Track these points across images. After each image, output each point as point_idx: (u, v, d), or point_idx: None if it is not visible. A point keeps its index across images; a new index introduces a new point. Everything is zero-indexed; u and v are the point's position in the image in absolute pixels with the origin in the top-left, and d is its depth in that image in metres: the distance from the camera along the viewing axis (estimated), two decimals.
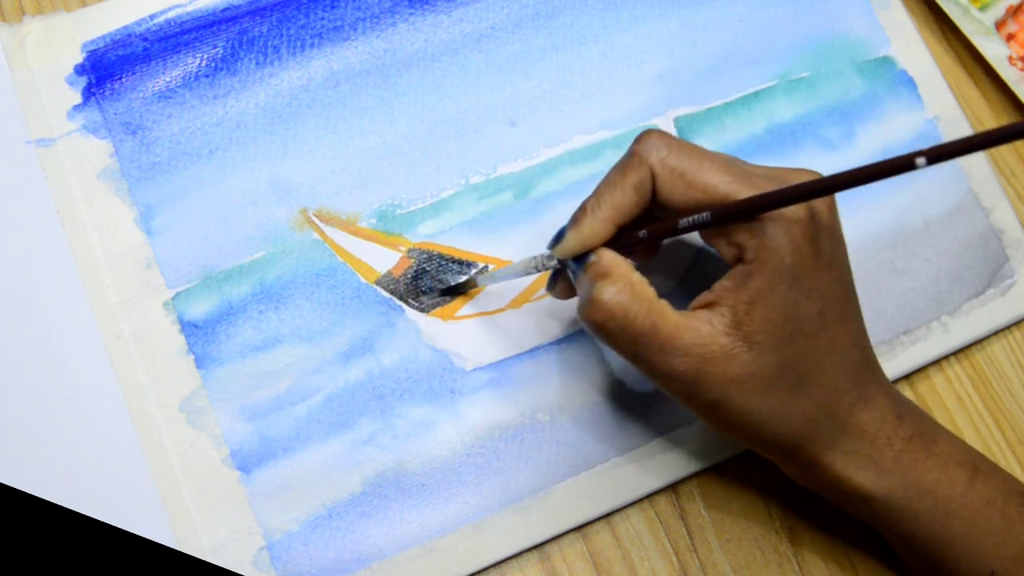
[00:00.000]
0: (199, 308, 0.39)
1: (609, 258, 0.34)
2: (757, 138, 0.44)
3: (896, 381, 0.43)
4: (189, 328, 0.39)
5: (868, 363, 0.36)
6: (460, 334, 0.40)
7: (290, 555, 0.38)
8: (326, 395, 0.39)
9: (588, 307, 0.33)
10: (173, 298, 0.39)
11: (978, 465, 0.36)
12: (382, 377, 0.40)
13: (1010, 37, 0.47)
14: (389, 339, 0.40)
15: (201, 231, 0.40)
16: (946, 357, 0.44)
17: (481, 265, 0.41)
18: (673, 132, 0.43)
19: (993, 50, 0.47)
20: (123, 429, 0.38)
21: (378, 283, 0.40)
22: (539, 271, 0.37)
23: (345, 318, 0.40)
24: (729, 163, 0.34)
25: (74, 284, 0.39)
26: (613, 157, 0.43)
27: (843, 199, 0.43)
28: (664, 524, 0.40)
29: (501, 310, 0.41)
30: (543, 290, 0.41)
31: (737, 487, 0.41)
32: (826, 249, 0.34)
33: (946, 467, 0.35)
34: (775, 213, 0.32)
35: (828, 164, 0.44)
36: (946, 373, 0.44)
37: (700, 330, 0.33)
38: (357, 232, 0.41)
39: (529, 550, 0.39)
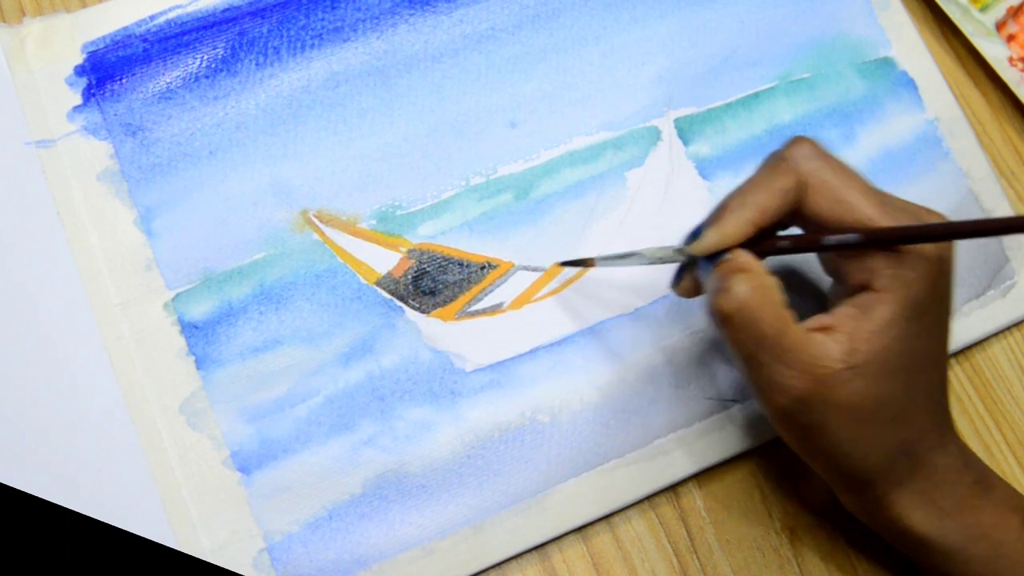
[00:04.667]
0: (199, 309, 0.39)
1: (745, 257, 0.33)
2: (757, 139, 0.44)
3: None
4: (189, 329, 0.39)
5: (945, 408, 0.36)
6: (460, 335, 0.40)
7: (290, 556, 0.38)
8: (326, 396, 0.39)
9: (720, 295, 0.33)
10: (173, 299, 0.39)
11: None
12: (382, 378, 0.40)
13: (1010, 38, 0.47)
14: (389, 340, 0.40)
15: (201, 232, 0.40)
16: None
17: (482, 263, 0.41)
18: (673, 133, 0.43)
19: (993, 51, 0.47)
20: (123, 430, 0.38)
21: (378, 284, 0.40)
22: (664, 263, 0.36)
23: (345, 319, 0.40)
24: (871, 187, 0.34)
25: (74, 285, 0.39)
26: (613, 158, 0.43)
27: None
28: (664, 525, 0.40)
29: (501, 311, 0.41)
30: (544, 291, 0.41)
31: (737, 488, 0.41)
32: (945, 292, 0.34)
33: (1001, 512, 0.35)
34: (916, 247, 0.32)
35: None
36: None
37: (818, 349, 0.32)
38: (357, 233, 0.41)
39: (529, 551, 0.39)
